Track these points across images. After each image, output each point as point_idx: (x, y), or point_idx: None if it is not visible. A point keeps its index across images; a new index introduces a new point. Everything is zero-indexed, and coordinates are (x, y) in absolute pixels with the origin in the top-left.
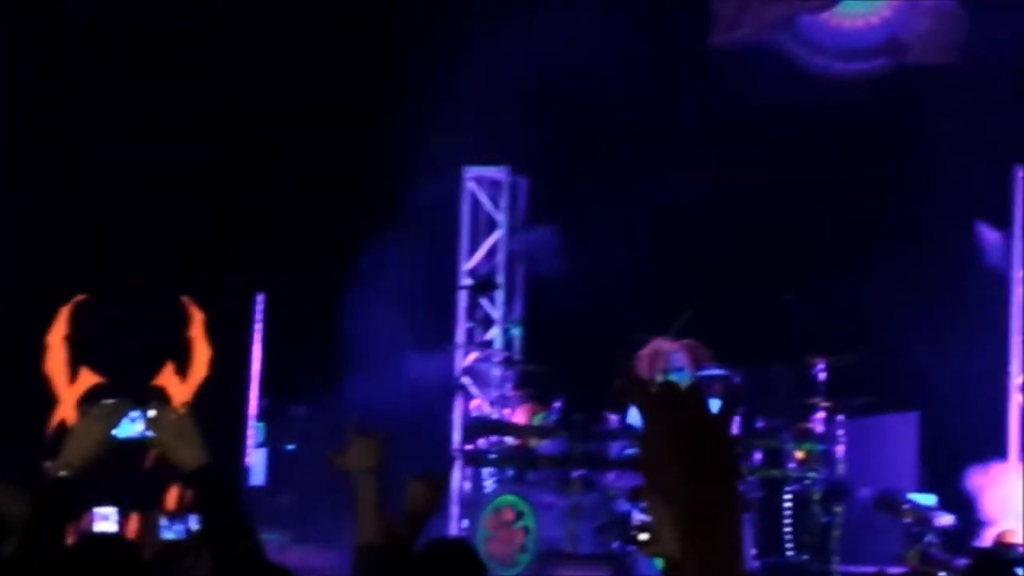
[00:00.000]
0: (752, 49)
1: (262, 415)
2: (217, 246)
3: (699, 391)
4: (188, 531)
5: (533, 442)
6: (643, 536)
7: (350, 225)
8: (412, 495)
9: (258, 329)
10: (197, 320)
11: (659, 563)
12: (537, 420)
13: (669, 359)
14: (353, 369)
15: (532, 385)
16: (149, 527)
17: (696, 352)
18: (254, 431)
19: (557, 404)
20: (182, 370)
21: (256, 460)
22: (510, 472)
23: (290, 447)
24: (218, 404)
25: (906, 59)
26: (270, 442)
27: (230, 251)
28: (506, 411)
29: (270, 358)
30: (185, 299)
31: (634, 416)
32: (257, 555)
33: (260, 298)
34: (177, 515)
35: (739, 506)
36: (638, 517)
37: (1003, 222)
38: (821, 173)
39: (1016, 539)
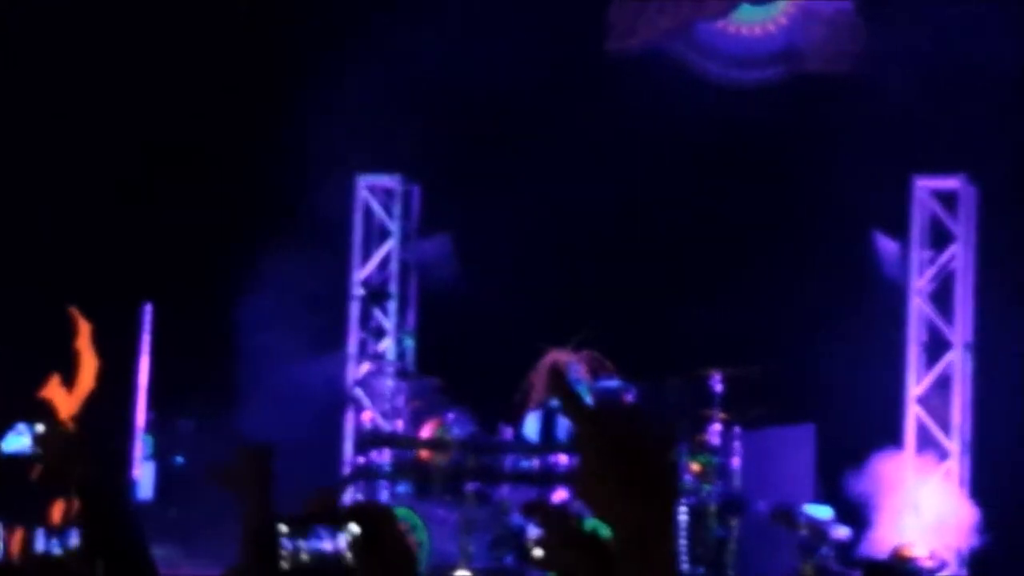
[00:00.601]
0: (648, 56)
1: (150, 428)
2: (105, 255)
3: (639, 410)
4: (65, 547)
5: (439, 457)
6: (537, 552)
7: (241, 234)
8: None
9: (146, 340)
10: (84, 331)
11: None
12: (440, 435)
13: (567, 370)
14: (243, 381)
15: (425, 397)
16: (32, 542)
17: (594, 364)
18: (142, 444)
19: (450, 416)
20: (68, 382)
21: (144, 474)
22: (403, 485)
23: (179, 460)
24: (105, 417)
25: (803, 67)
26: (158, 455)
27: (118, 260)
28: (423, 428)
29: (158, 370)
30: (71, 309)
31: (529, 428)
32: (147, 570)
33: (148, 308)
34: (58, 530)
35: (675, 529)
36: (533, 532)
37: (900, 232)
38: (718, 182)
39: (913, 552)
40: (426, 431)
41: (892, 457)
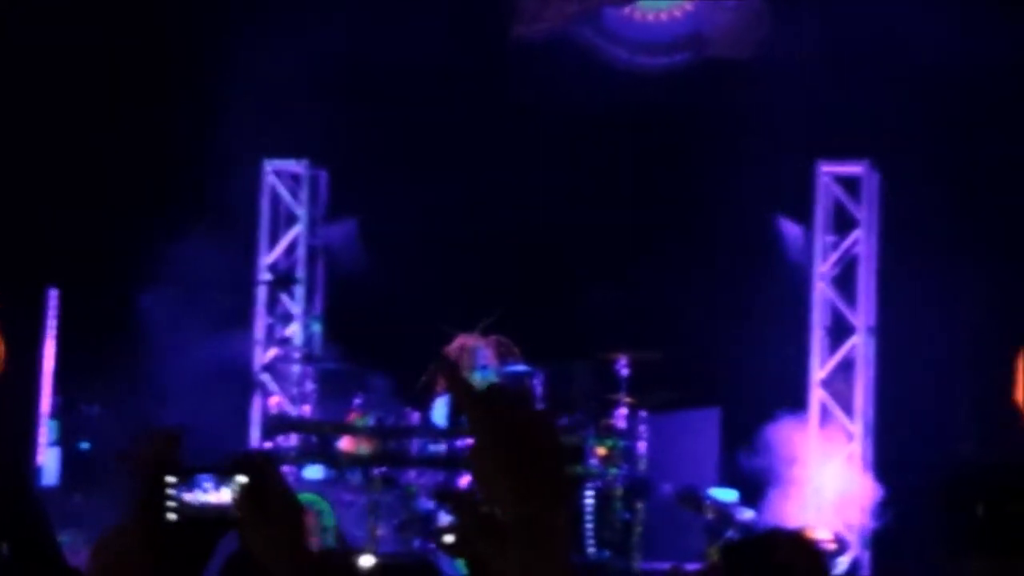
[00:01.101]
0: (555, 42)
1: (55, 413)
2: (9, 239)
3: (528, 396)
4: None
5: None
6: (448, 537)
7: (148, 219)
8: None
9: (51, 325)
10: None
11: (461, 564)
12: (360, 423)
13: (475, 355)
14: (150, 367)
15: (332, 382)
16: None
17: (501, 348)
18: (46, 430)
19: (357, 401)
20: None
21: (49, 459)
22: (310, 470)
23: (84, 446)
24: (10, 402)
25: (708, 53)
26: (63, 441)
27: (22, 245)
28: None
29: (63, 355)
30: None
31: (437, 414)
32: (53, 554)
33: (53, 293)
34: None
35: (565, 511)
36: (444, 518)
37: (805, 217)
38: (623, 167)
39: (817, 535)
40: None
41: (793, 428)
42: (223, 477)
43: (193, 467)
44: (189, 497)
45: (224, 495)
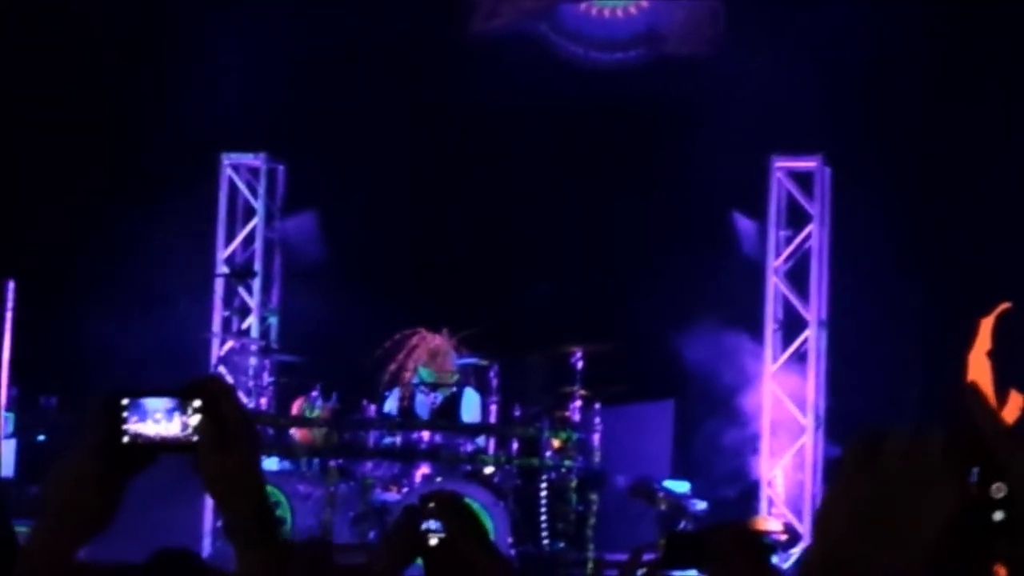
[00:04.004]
0: (511, 37)
1: (11, 405)
2: None
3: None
4: None
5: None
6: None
7: (105, 212)
8: None
9: (8, 317)
10: None
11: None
12: (308, 412)
13: (448, 356)
14: (106, 358)
15: (288, 375)
16: None
17: (455, 342)
18: (3, 421)
19: (314, 393)
20: None
21: (5, 451)
22: (266, 461)
23: (40, 438)
24: None
25: (663, 50)
26: (19, 432)
27: None
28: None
29: (20, 347)
30: None
31: (390, 406)
32: (10, 544)
33: (10, 285)
34: None
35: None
36: (433, 525)
37: (758, 212)
38: (579, 162)
39: (768, 526)
40: (294, 409)
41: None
42: (176, 403)
43: (146, 388)
44: (140, 427)
45: (175, 426)
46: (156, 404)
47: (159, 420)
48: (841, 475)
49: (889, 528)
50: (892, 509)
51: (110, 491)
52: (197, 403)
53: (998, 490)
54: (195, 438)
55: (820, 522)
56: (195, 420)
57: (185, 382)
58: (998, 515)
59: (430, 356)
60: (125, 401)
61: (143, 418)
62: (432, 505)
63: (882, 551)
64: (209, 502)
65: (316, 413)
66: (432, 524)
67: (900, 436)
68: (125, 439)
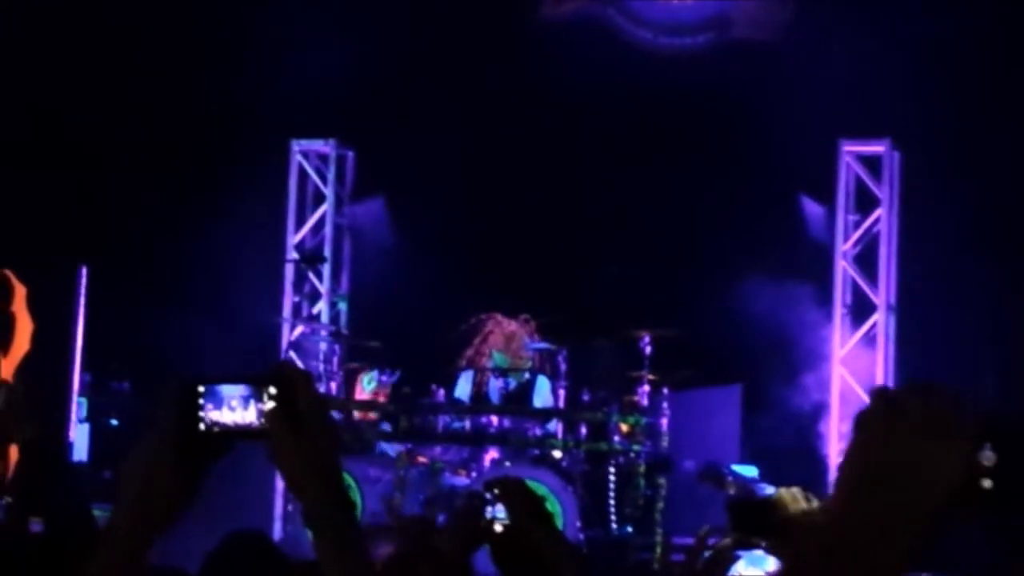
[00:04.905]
0: (580, 22)
1: (85, 390)
2: (40, 218)
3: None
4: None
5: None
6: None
7: (177, 199)
8: None
9: (81, 303)
10: (19, 294)
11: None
12: (367, 383)
13: (522, 340)
14: (178, 344)
15: (359, 359)
16: None
17: (527, 327)
18: (77, 406)
19: (383, 378)
20: (4, 345)
21: (79, 436)
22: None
23: (113, 423)
24: (41, 379)
25: (731, 34)
26: (93, 417)
27: (53, 224)
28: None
29: (93, 332)
30: (6, 272)
31: (461, 390)
32: (88, 527)
33: (84, 271)
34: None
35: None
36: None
37: (827, 197)
38: (648, 147)
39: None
40: (357, 389)
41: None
42: (252, 390)
43: (223, 375)
44: (216, 415)
45: (250, 413)
46: (232, 391)
47: (235, 407)
48: (857, 433)
49: (900, 484)
50: (903, 467)
51: (187, 478)
52: (272, 390)
53: (987, 459)
54: (266, 425)
55: (837, 479)
56: (270, 407)
57: (259, 369)
58: (986, 483)
59: (506, 341)
60: (201, 388)
61: (219, 405)
62: (496, 491)
63: (891, 507)
64: (280, 486)
65: (372, 386)
66: (496, 511)
67: (914, 395)
68: (201, 426)
